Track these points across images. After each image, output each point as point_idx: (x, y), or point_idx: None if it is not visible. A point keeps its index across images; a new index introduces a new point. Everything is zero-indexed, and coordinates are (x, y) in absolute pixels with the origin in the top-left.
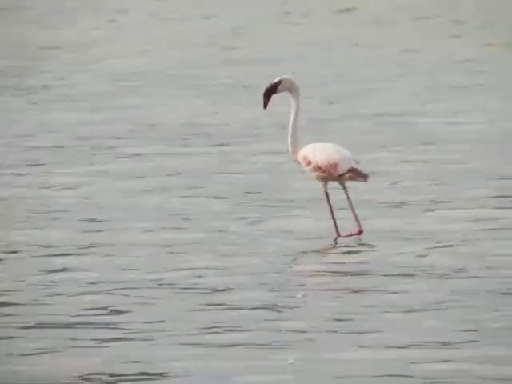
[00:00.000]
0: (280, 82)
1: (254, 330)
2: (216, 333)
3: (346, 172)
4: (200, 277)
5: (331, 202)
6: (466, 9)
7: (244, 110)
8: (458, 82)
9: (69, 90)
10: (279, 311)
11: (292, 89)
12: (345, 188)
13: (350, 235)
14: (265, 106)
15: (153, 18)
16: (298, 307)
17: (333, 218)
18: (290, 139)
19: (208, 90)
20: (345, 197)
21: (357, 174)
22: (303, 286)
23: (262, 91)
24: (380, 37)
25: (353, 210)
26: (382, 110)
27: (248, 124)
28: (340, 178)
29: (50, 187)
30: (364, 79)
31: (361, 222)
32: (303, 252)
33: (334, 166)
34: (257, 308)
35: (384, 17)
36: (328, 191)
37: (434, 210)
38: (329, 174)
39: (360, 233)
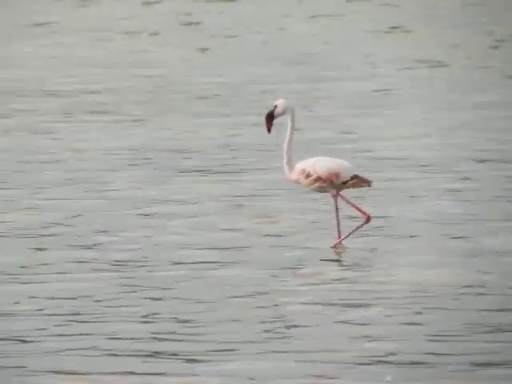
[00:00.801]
0: (275, 106)
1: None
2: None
3: (349, 179)
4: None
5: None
6: None
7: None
8: None
9: None
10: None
11: (287, 111)
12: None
13: (359, 227)
14: (268, 130)
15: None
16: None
17: (337, 222)
18: (285, 160)
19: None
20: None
21: (360, 180)
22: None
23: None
24: None
25: (352, 203)
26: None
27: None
28: (343, 187)
29: None
30: None
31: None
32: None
33: (336, 174)
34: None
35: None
36: (336, 196)
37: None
38: (331, 183)
39: (369, 218)
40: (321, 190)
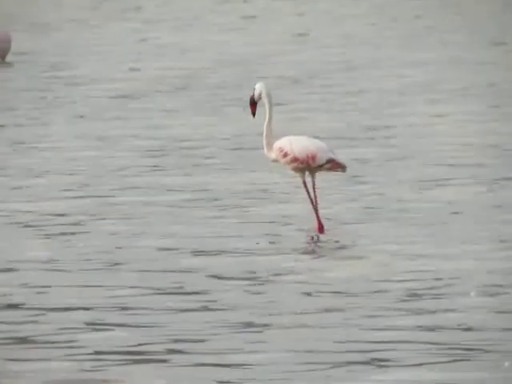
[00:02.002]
0: (254, 89)
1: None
2: None
3: (325, 163)
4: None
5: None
6: None
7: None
8: None
9: None
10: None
11: (263, 93)
12: (314, 182)
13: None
14: (253, 114)
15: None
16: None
17: (315, 209)
18: (264, 140)
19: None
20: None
21: (336, 165)
22: None
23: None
24: None
25: (316, 207)
26: None
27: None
28: (318, 169)
29: None
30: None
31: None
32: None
33: (313, 157)
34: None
35: None
36: (306, 181)
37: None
38: (307, 165)
39: (321, 230)
40: (297, 170)
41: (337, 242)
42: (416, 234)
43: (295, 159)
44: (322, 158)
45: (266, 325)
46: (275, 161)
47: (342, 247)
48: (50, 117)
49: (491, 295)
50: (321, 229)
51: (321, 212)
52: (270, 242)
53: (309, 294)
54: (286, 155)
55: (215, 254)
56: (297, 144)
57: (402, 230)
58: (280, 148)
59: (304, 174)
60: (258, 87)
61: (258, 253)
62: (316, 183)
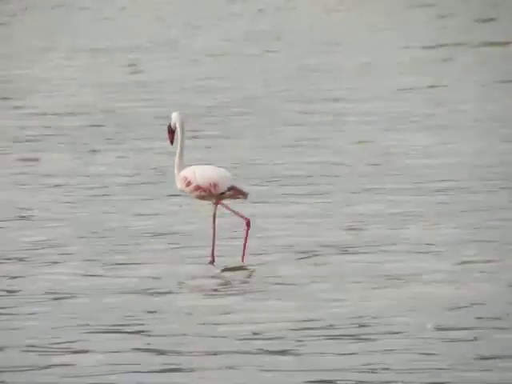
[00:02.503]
0: (171, 119)
1: None
2: None
3: (227, 190)
4: None
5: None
6: None
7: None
8: None
9: None
10: None
11: (177, 123)
12: (215, 213)
13: (246, 238)
14: (170, 142)
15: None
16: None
17: (213, 243)
18: (175, 170)
19: None
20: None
21: (237, 192)
22: None
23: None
24: None
25: (231, 210)
26: None
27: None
28: (221, 197)
29: None
30: None
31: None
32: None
33: (215, 185)
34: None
35: None
36: (216, 215)
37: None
38: (209, 193)
39: (248, 223)
40: (202, 198)
41: (255, 281)
42: (331, 272)
43: (198, 187)
44: (223, 186)
45: (190, 368)
46: (182, 190)
47: (262, 288)
48: None
49: (418, 337)
50: (212, 261)
51: (241, 247)
52: (178, 282)
53: (221, 336)
54: (189, 184)
55: (131, 292)
56: (200, 173)
57: (322, 268)
58: (184, 177)
59: (215, 207)
60: (174, 117)
61: (164, 291)
62: (217, 215)
